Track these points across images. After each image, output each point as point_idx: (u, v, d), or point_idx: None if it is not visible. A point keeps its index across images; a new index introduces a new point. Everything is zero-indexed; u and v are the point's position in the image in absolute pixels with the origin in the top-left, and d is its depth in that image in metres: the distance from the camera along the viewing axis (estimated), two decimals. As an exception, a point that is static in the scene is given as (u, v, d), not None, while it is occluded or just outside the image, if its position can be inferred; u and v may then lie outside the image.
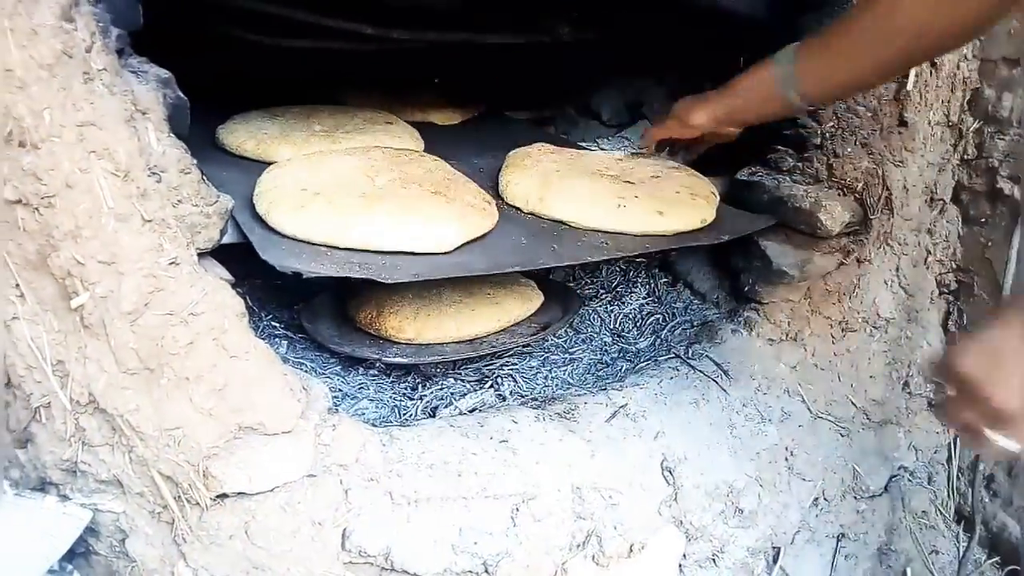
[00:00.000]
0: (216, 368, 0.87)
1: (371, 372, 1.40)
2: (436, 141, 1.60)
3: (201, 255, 0.93)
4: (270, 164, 1.28)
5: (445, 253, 1.09)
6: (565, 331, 1.57)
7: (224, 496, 0.89)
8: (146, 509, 0.89)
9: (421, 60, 2.15)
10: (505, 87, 2.16)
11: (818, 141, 1.36)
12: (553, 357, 1.50)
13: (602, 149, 1.77)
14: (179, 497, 0.88)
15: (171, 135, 0.88)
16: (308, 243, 1.07)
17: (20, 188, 0.79)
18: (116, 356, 0.83)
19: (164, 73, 0.92)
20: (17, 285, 0.83)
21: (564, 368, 1.46)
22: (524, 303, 1.46)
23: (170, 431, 0.85)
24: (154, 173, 0.85)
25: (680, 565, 1.22)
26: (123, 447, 0.86)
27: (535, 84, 2.15)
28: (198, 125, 1.07)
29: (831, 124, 1.35)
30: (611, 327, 1.62)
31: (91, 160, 0.80)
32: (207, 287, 0.88)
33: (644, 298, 1.68)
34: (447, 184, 1.19)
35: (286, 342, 1.44)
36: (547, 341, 1.53)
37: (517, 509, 1.05)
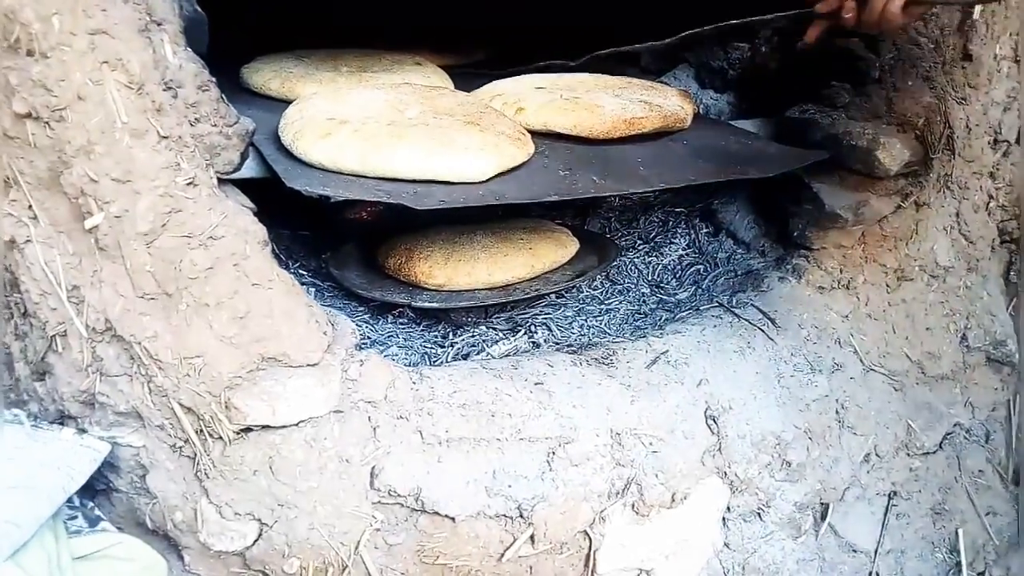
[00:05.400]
0: (237, 295, 0.83)
1: (400, 320, 1.35)
2: (467, 84, 1.53)
3: (222, 181, 0.88)
4: (295, 101, 1.23)
5: (478, 183, 1.02)
6: (601, 282, 1.51)
7: (248, 430, 0.85)
8: (167, 443, 0.85)
9: (455, 5, 2.08)
10: (544, 33, 2.08)
11: (876, 75, 1.27)
12: (588, 307, 1.44)
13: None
14: (201, 430, 0.84)
15: (187, 49, 0.83)
16: (336, 172, 1.01)
17: (30, 100, 0.75)
18: (133, 280, 0.79)
19: (180, -16, 0.87)
20: (30, 206, 0.80)
21: (600, 318, 1.40)
22: (559, 250, 1.40)
23: (190, 359, 0.81)
24: (170, 88, 0.80)
25: (724, 518, 1.16)
26: (141, 377, 0.82)
27: (575, 29, 2.06)
28: (222, 66, 1.02)
29: (891, 56, 1.25)
30: (649, 278, 1.55)
31: (103, 71, 0.76)
32: (227, 211, 0.83)
33: (684, 248, 1.61)
34: (480, 115, 1.13)
35: (314, 290, 1.40)
36: (582, 292, 1.47)
37: (553, 453, 0.99)
